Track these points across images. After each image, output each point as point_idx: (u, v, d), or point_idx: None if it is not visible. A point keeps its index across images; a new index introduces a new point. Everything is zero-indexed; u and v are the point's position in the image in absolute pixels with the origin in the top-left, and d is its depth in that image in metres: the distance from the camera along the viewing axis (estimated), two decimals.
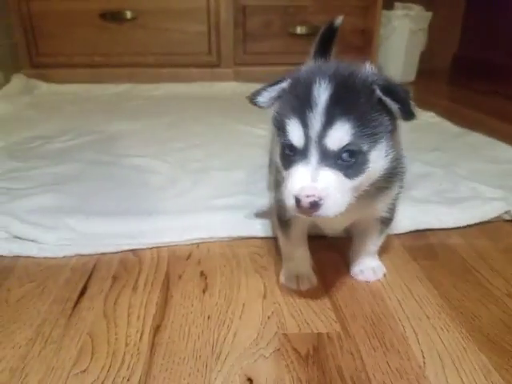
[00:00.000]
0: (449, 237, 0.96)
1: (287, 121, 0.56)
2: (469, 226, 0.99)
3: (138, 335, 0.65)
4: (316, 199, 0.51)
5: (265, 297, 0.75)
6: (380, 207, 0.69)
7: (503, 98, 2.46)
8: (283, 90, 0.60)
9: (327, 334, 0.67)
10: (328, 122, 0.52)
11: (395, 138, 0.60)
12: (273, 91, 0.60)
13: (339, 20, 0.96)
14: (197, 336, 0.66)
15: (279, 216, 0.75)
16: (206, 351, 0.63)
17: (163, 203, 1.06)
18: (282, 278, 0.79)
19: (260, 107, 0.62)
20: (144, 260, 0.86)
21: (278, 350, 0.63)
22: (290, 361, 0.62)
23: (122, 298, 0.74)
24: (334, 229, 0.77)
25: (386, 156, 0.58)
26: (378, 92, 0.55)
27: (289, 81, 0.59)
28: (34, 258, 0.85)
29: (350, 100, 0.54)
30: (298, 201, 0.52)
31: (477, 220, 0.99)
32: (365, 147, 0.54)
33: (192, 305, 0.73)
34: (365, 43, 2.61)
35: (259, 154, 1.44)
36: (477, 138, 1.59)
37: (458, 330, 0.68)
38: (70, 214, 0.95)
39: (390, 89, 0.55)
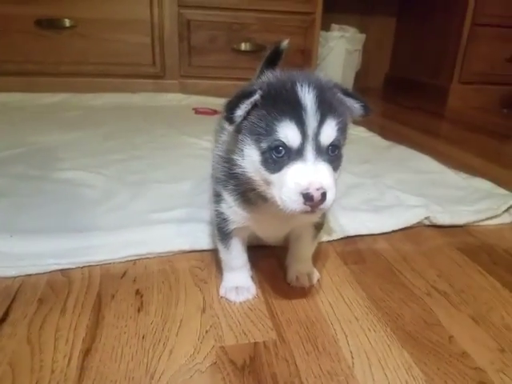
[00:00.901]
0: (376, 242, 1.02)
1: (278, 123, 0.56)
2: (393, 231, 1.06)
3: (66, 360, 0.62)
4: (324, 191, 0.54)
5: (203, 311, 0.75)
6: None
7: (425, 113, 2.70)
8: (256, 100, 0.59)
9: (264, 342, 0.68)
10: (321, 120, 0.56)
11: None
12: (248, 104, 0.59)
13: (285, 43, 1.01)
14: (130, 357, 0.64)
15: (220, 228, 0.76)
16: (140, 372, 0.61)
17: (97, 219, 1.02)
18: (222, 290, 0.80)
19: (234, 122, 0.60)
20: (74, 280, 0.82)
21: (215, 363, 0.64)
22: (226, 373, 0.62)
23: (48, 322, 0.70)
24: (275, 237, 0.79)
25: None
26: (340, 94, 0.60)
27: (260, 91, 0.59)
28: None
29: (330, 100, 0.58)
30: (307, 196, 0.54)
31: (400, 226, 1.07)
32: (341, 142, 0.59)
33: (126, 325, 0.71)
34: (305, 62, 2.74)
35: (204, 165, 1.44)
36: (402, 151, 1.72)
37: (384, 329, 0.72)
38: None
39: (347, 91, 0.61)
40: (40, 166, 1.33)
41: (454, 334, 0.71)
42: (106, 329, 0.69)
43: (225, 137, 0.73)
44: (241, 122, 0.61)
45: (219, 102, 3.03)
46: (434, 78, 3.07)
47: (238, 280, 0.80)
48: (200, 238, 0.95)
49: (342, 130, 0.59)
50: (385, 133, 1.99)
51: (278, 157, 0.57)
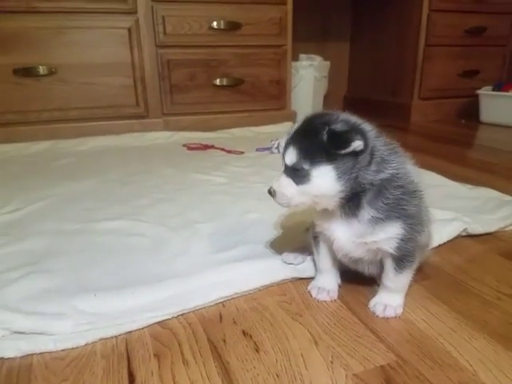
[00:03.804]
0: (429, 257, 1.10)
1: None
2: (439, 245, 1.15)
3: None
4: (271, 190, 0.80)
5: (316, 343, 0.78)
6: (382, 241, 0.78)
7: (395, 129, 2.91)
8: None
9: (388, 364, 0.73)
10: (287, 148, 0.77)
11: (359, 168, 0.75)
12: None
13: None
14: None
15: (313, 233, 0.90)
16: None
17: (165, 266, 1.02)
18: (309, 286, 0.94)
19: None
20: (176, 330, 0.82)
21: None
22: None
23: (179, 376, 0.70)
24: (347, 255, 0.84)
25: (339, 178, 0.73)
26: (324, 132, 0.73)
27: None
28: (49, 352, 0.75)
29: (303, 136, 0.76)
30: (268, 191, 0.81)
31: (444, 240, 1.16)
32: (306, 166, 0.74)
33: (254, 367, 0.72)
34: (280, 92, 2.89)
35: (230, 200, 1.48)
36: None
37: (482, 336, 0.79)
38: (71, 295, 0.86)
39: (334, 130, 0.73)
40: (72, 219, 1.30)
41: None
42: (239, 373, 0.71)
43: None
44: None
45: (206, 136, 3.09)
46: (394, 96, 3.34)
47: (323, 282, 0.93)
48: (278, 272, 0.98)
49: (311, 159, 0.73)
50: None
51: None
